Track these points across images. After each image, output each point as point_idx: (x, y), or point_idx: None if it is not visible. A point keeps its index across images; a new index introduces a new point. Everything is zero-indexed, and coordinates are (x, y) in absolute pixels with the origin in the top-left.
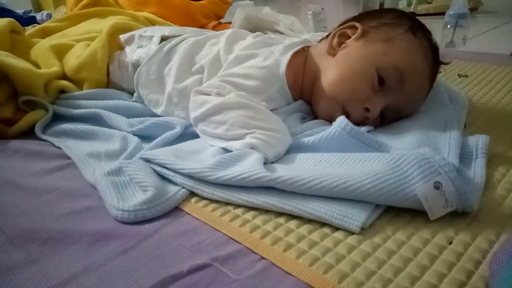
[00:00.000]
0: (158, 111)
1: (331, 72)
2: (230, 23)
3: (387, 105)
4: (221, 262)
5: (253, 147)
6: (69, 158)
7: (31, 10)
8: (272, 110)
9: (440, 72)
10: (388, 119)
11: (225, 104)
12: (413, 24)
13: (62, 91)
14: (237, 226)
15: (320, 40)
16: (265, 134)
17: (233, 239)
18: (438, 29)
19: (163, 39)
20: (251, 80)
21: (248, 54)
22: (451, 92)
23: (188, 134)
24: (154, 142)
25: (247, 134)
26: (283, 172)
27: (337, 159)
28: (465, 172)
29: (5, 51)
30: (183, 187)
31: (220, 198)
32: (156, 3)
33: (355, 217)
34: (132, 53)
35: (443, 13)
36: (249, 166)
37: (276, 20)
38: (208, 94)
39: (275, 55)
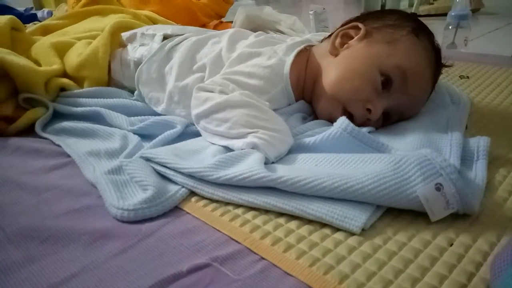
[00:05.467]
0: (159, 109)
1: (332, 71)
2: (232, 22)
3: (389, 107)
4: (220, 262)
5: (255, 146)
6: (69, 156)
7: (32, 8)
8: (274, 110)
9: (441, 73)
10: (389, 120)
11: (229, 102)
12: (416, 26)
13: (63, 89)
14: (237, 226)
15: (322, 40)
16: (268, 134)
17: (233, 239)
18: (439, 30)
19: (165, 37)
20: (255, 79)
21: (252, 52)
22: (452, 93)
23: (188, 133)
24: (154, 141)
25: (249, 133)
26: (283, 172)
27: (338, 160)
28: (466, 174)
29: (6, 48)
30: (183, 187)
31: (220, 198)
32: (157, 1)
33: (356, 218)
34: (134, 51)
35: (445, 14)
36: (250, 166)
37: (278, 20)
38: (211, 91)
39: (279, 55)
